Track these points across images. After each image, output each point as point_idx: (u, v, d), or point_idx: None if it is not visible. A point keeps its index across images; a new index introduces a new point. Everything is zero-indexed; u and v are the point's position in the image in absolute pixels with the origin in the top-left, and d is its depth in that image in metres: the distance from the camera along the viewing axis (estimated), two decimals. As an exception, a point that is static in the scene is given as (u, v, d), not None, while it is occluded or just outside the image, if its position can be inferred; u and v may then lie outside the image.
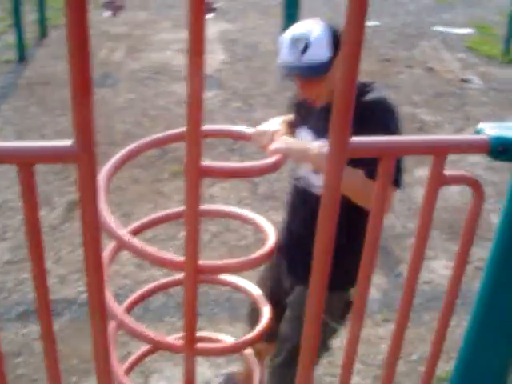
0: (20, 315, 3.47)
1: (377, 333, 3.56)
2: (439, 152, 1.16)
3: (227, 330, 3.51)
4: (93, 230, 1.10)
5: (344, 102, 1.07)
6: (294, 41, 2.11)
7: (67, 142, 1.01)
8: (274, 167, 1.75)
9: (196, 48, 1.25)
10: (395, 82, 6.94)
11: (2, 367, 1.37)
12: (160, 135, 2.06)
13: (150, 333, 1.95)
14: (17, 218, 4.35)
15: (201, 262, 1.49)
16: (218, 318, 3.64)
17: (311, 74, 2.14)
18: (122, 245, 1.78)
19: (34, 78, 6.69)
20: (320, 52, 2.10)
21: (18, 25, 7.01)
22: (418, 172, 5.08)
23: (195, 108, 1.30)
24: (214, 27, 8.22)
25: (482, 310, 1.71)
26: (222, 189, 4.93)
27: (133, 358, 2.61)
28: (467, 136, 1.30)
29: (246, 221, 2.28)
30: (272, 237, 1.90)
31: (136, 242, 1.68)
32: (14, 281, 3.72)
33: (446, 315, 1.56)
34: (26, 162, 1.06)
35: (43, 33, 7.92)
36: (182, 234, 4.33)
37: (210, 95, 6.45)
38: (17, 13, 7.00)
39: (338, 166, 1.10)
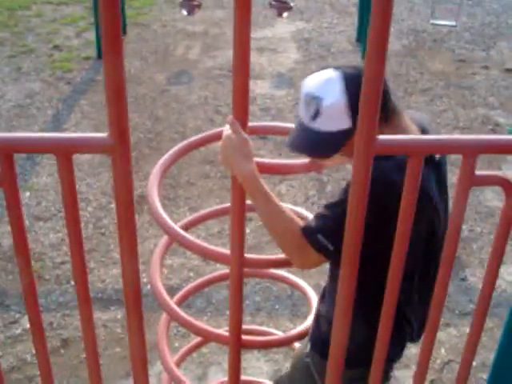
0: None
1: (437, 336, 3.53)
2: (468, 152, 1.16)
3: (287, 326, 3.56)
4: (128, 219, 1.15)
5: (371, 96, 1.09)
6: (308, 101, 1.82)
7: (103, 134, 1.07)
8: (315, 167, 1.78)
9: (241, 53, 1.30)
10: (470, 83, 6.81)
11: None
12: (210, 132, 2.11)
13: (198, 324, 2.01)
14: (88, 210, 4.53)
15: (246, 255, 1.54)
16: (279, 315, 3.68)
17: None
18: (173, 238, 1.84)
19: (111, 75, 6.88)
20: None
21: (97, 23, 7.23)
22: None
23: (240, 105, 1.35)
24: (288, 26, 8.26)
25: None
26: (289, 187, 4.97)
27: (184, 349, 2.68)
28: (499, 136, 1.27)
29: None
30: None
31: (184, 235, 1.74)
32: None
33: None
34: (64, 152, 1.12)
35: (122, 30, 8.10)
36: (248, 230, 4.40)
37: (281, 93, 6.50)
38: (97, 11, 7.22)
39: (365, 163, 1.12)
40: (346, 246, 1.25)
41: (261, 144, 5.42)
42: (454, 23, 7.78)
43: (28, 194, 4.72)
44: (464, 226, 4.47)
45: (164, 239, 2.15)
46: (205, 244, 1.76)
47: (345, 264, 1.27)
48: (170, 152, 2.00)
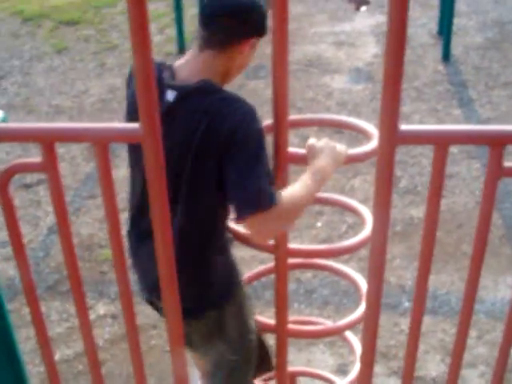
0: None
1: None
2: (496, 142, 1.15)
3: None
4: (160, 206, 1.20)
5: (392, 88, 1.10)
6: None
7: (136, 125, 1.12)
8: (364, 156, 1.79)
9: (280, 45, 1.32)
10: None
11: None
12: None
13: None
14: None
15: (292, 245, 1.56)
16: (346, 309, 3.68)
17: None
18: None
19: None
20: None
21: (179, 19, 7.38)
22: None
23: (281, 96, 1.37)
24: (367, 20, 8.19)
25: None
26: (363, 181, 4.95)
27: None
28: None
29: (345, 207, 2.33)
30: (368, 226, 1.94)
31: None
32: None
33: None
34: (100, 141, 1.19)
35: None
36: (319, 223, 4.42)
37: (359, 88, 6.46)
38: (178, 8, 7.38)
39: (389, 153, 1.13)
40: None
41: (336, 138, 5.42)
42: (540, 14, 7.53)
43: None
44: (542, 224, 4.35)
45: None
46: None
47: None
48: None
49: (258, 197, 1.71)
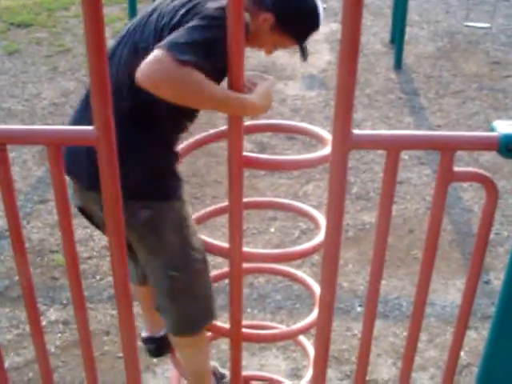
0: (111, 297, 3.69)
1: (458, 338, 3.53)
2: (447, 147, 1.19)
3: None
4: (113, 207, 1.20)
5: (345, 94, 1.12)
6: None
7: (90, 127, 1.12)
8: (319, 161, 1.81)
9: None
10: (504, 85, 6.74)
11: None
12: (213, 131, 2.16)
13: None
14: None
15: (246, 249, 1.57)
16: (299, 314, 3.71)
17: None
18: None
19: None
20: None
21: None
22: (518, 179, 4.96)
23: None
24: (322, 27, 8.22)
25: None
26: (317, 187, 4.99)
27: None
28: (477, 132, 1.30)
29: (298, 212, 2.36)
30: (322, 231, 1.96)
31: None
32: (108, 265, 3.95)
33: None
34: (53, 143, 1.18)
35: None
36: (272, 229, 4.44)
37: (312, 95, 6.52)
38: (132, 12, 7.34)
39: (342, 158, 1.15)
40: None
41: (288, 145, 5.46)
42: (488, 25, 7.71)
43: (59, 190, 4.83)
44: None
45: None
46: (204, 237, 1.81)
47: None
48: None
49: (174, 45, 1.80)
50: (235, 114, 1.69)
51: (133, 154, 2.02)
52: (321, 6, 2.27)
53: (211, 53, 1.81)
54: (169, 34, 1.92)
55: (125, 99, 2.04)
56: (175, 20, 1.99)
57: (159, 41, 1.89)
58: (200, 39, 1.83)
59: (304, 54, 2.37)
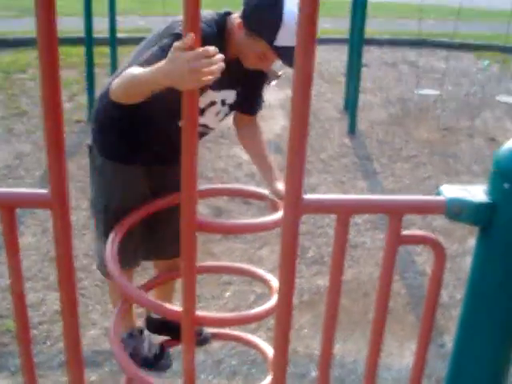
0: (62, 364, 3.59)
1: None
2: (395, 212, 1.22)
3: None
4: (66, 273, 1.19)
5: (297, 157, 1.15)
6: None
7: (44, 190, 1.12)
8: (272, 225, 1.83)
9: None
10: (455, 151, 6.94)
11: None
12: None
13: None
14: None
15: (199, 312, 1.57)
16: (255, 379, 3.66)
17: None
18: (128, 297, 1.88)
19: (101, 138, 7.01)
20: None
21: (90, 87, 7.39)
22: (471, 242, 5.04)
23: (190, 163, 1.39)
24: (277, 94, 8.43)
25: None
26: (271, 252, 5.00)
27: None
28: (424, 196, 1.34)
29: (251, 276, 2.36)
30: (275, 294, 1.97)
31: (140, 293, 1.78)
32: (60, 330, 3.86)
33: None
34: (7, 206, 1.18)
35: (115, 95, 8.30)
36: (228, 293, 4.41)
37: (268, 159, 6.58)
38: (90, 76, 7.40)
39: (294, 222, 1.17)
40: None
41: (244, 209, 5.48)
42: (438, 92, 7.97)
43: (10, 253, 4.74)
44: (443, 292, 4.49)
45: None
46: (159, 302, 1.80)
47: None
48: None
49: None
50: (159, 85, 1.88)
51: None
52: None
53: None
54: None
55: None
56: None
57: None
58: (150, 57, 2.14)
59: (283, 59, 2.32)
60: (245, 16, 2.31)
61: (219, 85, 2.44)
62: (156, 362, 3.04)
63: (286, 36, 2.22)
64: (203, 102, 2.51)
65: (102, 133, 2.75)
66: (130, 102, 2.21)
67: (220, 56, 1.68)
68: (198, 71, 1.61)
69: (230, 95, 2.63)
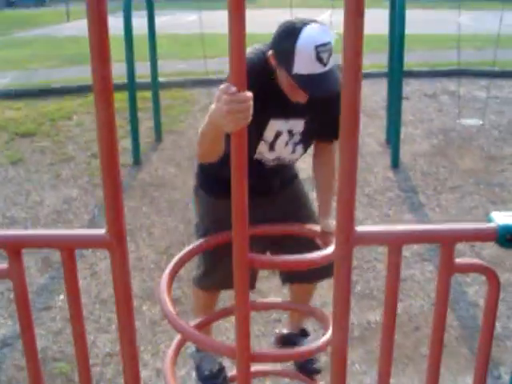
0: (116, 405, 3.62)
1: None
2: (447, 240, 1.22)
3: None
4: (125, 312, 1.22)
5: (347, 190, 1.17)
6: (327, 49, 2.28)
7: (101, 231, 1.15)
8: (324, 260, 1.84)
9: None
10: (500, 179, 6.86)
11: None
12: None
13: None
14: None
15: (255, 350, 1.57)
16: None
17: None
18: (186, 337, 1.90)
19: (146, 180, 7.11)
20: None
21: (134, 131, 7.52)
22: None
23: (241, 201, 1.42)
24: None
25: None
26: (319, 287, 4.96)
27: None
28: (475, 224, 1.33)
29: (303, 312, 2.36)
30: (330, 330, 1.96)
31: (196, 332, 1.80)
32: (112, 372, 3.89)
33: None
34: (67, 247, 1.21)
35: (158, 138, 8.44)
36: (277, 330, 4.40)
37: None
38: (133, 120, 7.53)
39: (347, 254, 1.18)
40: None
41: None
42: (480, 122, 7.92)
43: (62, 296, 4.82)
44: (497, 323, 4.40)
45: (176, 339, 2.22)
46: (214, 340, 1.81)
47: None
48: (181, 254, 2.09)
49: None
50: (216, 129, 1.95)
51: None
52: (313, 29, 2.27)
53: None
54: None
55: None
56: None
57: None
58: None
59: (302, 87, 2.32)
60: (272, 47, 2.37)
61: (284, 115, 2.47)
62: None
63: (302, 64, 2.25)
64: (269, 135, 2.53)
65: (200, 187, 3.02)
66: (212, 159, 2.33)
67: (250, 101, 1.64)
68: (233, 113, 1.59)
69: (298, 124, 2.62)
